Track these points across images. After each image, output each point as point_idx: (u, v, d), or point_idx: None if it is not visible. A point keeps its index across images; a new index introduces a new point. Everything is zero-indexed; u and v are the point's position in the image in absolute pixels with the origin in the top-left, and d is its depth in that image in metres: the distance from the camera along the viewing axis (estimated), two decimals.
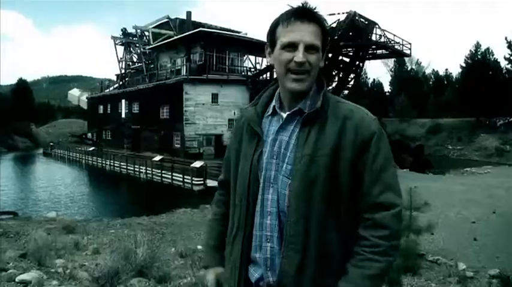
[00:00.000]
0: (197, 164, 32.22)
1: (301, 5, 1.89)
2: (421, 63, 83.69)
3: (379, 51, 45.30)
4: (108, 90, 66.52)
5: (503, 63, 61.65)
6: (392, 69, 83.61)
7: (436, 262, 9.85)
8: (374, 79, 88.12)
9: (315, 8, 1.89)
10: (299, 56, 1.82)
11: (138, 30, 58.39)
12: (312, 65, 1.86)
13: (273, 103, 2.03)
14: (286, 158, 1.88)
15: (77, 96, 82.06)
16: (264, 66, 48.27)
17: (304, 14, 1.86)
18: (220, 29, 51.59)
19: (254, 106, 2.10)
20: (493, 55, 63.04)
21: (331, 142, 1.81)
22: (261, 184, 1.93)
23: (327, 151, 1.80)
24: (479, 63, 61.47)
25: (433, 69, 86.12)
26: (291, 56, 1.84)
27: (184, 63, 46.93)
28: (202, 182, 30.93)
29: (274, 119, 2.01)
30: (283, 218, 1.87)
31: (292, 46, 1.84)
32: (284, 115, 1.96)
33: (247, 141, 2.04)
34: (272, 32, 1.93)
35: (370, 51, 44.22)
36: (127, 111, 54.26)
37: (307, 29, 1.84)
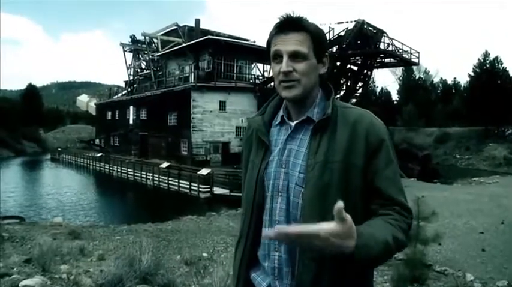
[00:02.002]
0: (204, 171, 32.22)
1: (284, 16, 1.89)
2: (429, 72, 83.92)
3: (387, 60, 45.23)
4: (116, 96, 66.89)
5: None
6: (401, 78, 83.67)
7: (443, 272, 9.75)
8: (382, 88, 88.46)
9: (299, 17, 1.88)
10: (283, 65, 1.83)
11: (147, 38, 58.62)
12: (300, 73, 1.85)
13: (281, 113, 2.03)
14: (297, 166, 1.87)
15: (86, 102, 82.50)
16: (271, 74, 48.30)
17: (287, 25, 1.86)
18: (228, 37, 51.83)
19: (261, 115, 2.10)
20: (501, 64, 62.75)
21: (343, 148, 1.81)
22: (269, 193, 1.92)
23: (339, 157, 1.80)
24: (488, 72, 61.22)
25: (441, 78, 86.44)
26: (279, 67, 1.86)
27: (193, 70, 47.15)
28: (209, 189, 30.91)
29: (282, 128, 2.01)
30: None
31: (278, 57, 1.87)
32: (293, 124, 1.96)
33: (255, 150, 2.05)
34: (268, 46, 1.95)
35: (378, 60, 44.19)
36: (135, 117, 54.54)
37: (291, 38, 1.84)
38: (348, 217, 1.43)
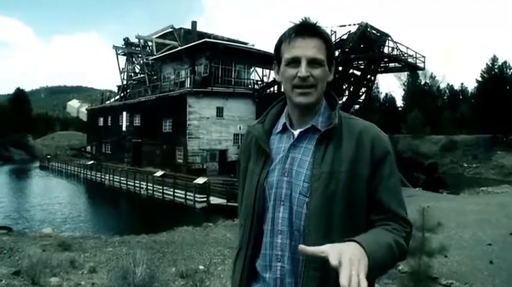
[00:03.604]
0: (200, 180, 32.23)
1: (302, 21, 1.94)
2: (435, 77, 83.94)
3: (391, 65, 45.37)
4: (108, 102, 66.97)
5: None
6: (405, 83, 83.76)
7: (449, 286, 9.79)
8: (386, 93, 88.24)
9: (316, 23, 1.93)
10: (302, 70, 1.87)
11: (141, 40, 58.78)
12: (317, 79, 1.90)
13: (283, 120, 2.06)
14: (302, 175, 1.90)
15: (76, 107, 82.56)
16: (271, 79, 48.33)
17: (305, 30, 1.91)
18: (226, 40, 52.02)
19: (261, 123, 2.13)
20: (510, 69, 62.95)
21: (349, 158, 1.85)
22: (271, 202, 1.95)
23: (345, 167, 1.84)
24: (496, 77, 61.38)
25: (448, 84, 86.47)
26: (295, 71, 1.89)
27: (189, 75, 47.19)
28: (205, 199, 30.87)
29: (284, 136, 2.04)
30: (296, 237, 1.88)
31: (295, 62, 1.89)
32: (295, 132, 1.99)
33: (255, 159, 2.07)
34: (277, 50, 1.99)
35: (382, 65, 44.34)
36: (128, 124, 54.52)
37: (309, 44, 1.89)
38: (321, 247, 1.53)
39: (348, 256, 1.47)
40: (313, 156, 1.90)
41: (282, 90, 2.06)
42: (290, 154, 1.96)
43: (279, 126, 2.07)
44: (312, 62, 1.88)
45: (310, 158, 1.91)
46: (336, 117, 1.92)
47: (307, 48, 1.88)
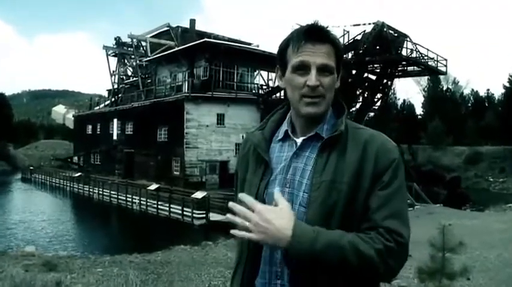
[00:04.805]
0: (199, 194, 32.25)
1: (312, 24, 1.97)
2: (458, 82, 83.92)
3: (410, 68, 45.25)
4: (98, 107, 67.04)
5: None
6: (425, 89, 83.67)
7: None
8: (404, 100, 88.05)
9: (326, 27, 1.97)
10: (312, 79, 1.89)
11: (134, 40, 58.80)
12: (326, 88, 1.93)
13: (285, 127, 2.10)
14: (303, 186, 1.93)
15: (63, 113, 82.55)
16: (277, 84, 48.12)
17: (315, 34, 1.93)
18: (228, 40, 52.02)
19: (261, 130, 2.17)
20: None
21: (352, 169, 1.87)
22: None
23: (347, 178, 1.86)
24: None
25: (472, 89, 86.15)
26: (303, 80, 1.92)
27: (187, 78, 47.26)
28: (204, 215, 30.91)
29: (285, 145, 2.07)
30: None
31: (304, 69, 1.92)
32: (298, 141, 2.02)
33: (253, 169, 2.10)
34: (282, 54, 2.02)
35: (400, 68, 44.20)
36: (119, 132, 54.52)
37: (319, 49, 1.91)
38: (285, 202, 1.75)
39: (261, 216, 1.73)
40: (315, 164, 1.94)
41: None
42: (292, 164, 1.99)
43: (280, 134, 2.11)
44: (322, 70, 1.91)
45: (311, 166, 1.95)
46: (342, 124, 1.95)
47: (317, 54, 1.91)
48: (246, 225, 1.76)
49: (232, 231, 1.82)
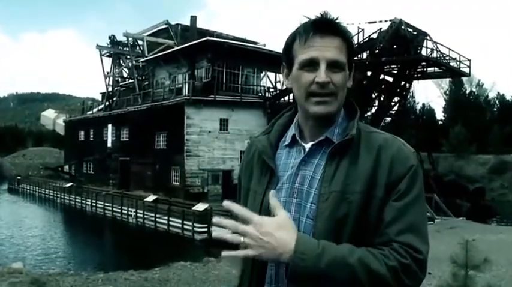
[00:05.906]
0: (200, 206, 32.23)
1: (320, 15, 1.96)
2: (483, 84, 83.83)
3: (430, 69, 45.19)
4: (90, 112, 67.27)
5: None
6: (447, 92, 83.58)
7: None
8: (423, 104, 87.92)
9: (336, 19, 1.94)
10: (321, 75, 1.86)
11: (130, 39, 58.93)
12: (337, 86, 1.90)
13: (292, 132, 2.07)
14: (311, 196, 1.91)
15: (52, 118, 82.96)
16: (285, 85, 48.12)
17: (325, 27, 1.90)
18: (232, 39, 52.09)
19: (267, 135, 2.14)
20: None
21: (364, 178, 1.84)
22: None
23: (359, 188, 1.83)
24: None
25: (498, 93, 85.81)
26: (311, 76, 1.88)
27: (187, 80, 47.36)
28: (206, 229, 30.81)
29: (293, 151, 2.05)
30: None
31: (312, 65, 1.89)
32: (307, 146, 2.00)
33: (258, 177, 2.09)
34: (288, 50, 1.99)
35: (419, 69, 44.08)
36: (114, 138, 54.67)
37: (329, 43, 1.89)
38: (282, 210, 1.75)
39: (258, 229, 1.72)
40: (323, 172, 1.91)
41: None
42: (300, 171, 1.97)
43: (288, 139, 2.08)
44: (332, 66, 1.87)
45: (320, 175, 1.92)
46: (354, 128, 1.92)
47: (327, 49, 1.87)
48: (240, 240, 1.75)
49: (224, 253, 1.83)
